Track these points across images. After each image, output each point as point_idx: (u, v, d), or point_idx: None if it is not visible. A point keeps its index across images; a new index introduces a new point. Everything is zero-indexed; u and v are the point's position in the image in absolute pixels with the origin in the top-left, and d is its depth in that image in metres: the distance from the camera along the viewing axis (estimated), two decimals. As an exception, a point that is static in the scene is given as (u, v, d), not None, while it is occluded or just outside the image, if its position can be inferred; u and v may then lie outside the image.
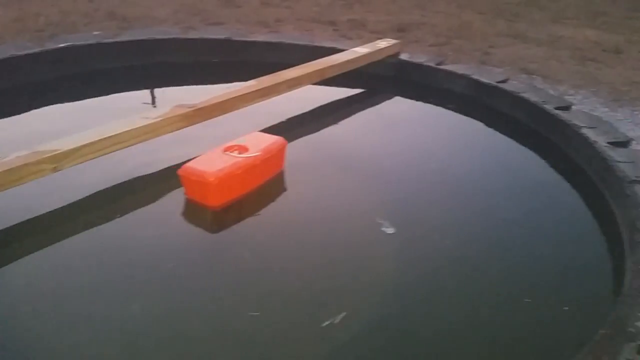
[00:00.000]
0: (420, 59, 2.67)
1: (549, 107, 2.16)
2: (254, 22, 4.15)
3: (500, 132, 2.30)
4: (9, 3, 4.18)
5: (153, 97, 2.60)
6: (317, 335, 1.35)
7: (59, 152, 1.69)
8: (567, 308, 1.45)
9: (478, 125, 2.39)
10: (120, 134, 1.84)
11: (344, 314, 1.38)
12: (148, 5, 4.37)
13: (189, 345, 1.30)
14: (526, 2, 5.14)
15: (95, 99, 2.53)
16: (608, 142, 1.96)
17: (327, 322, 1.37)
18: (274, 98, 2.33)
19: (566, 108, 2.16)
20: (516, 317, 1.42)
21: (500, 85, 2.32)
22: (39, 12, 3.94)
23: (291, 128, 2.31)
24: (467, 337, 1.36)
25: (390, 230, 1.69)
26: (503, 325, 1.40)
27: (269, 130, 2.14)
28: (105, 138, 1.80)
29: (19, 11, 3.95)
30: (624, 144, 1.98)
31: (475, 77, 2.43)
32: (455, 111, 2.47)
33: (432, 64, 2.59)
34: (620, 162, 1.85)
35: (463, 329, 1.38)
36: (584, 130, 2.01)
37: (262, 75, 2.33)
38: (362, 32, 4.10)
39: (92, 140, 1.77)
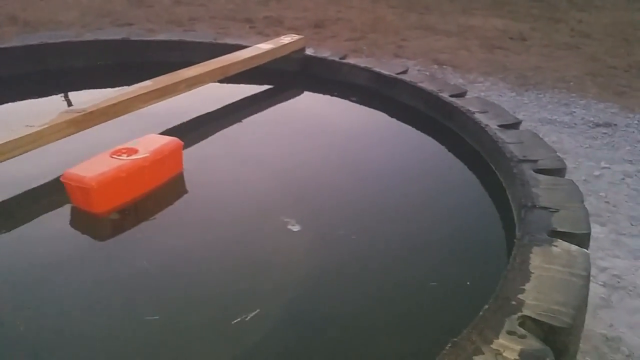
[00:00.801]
0: (325, 53, 2.68)
1: (444, 95, 2.22)
2: (166, 21, 4.05)
3: (402, 121, 2.35)
4: None
5: (46, 105, 2.47)
6: (228, 333, 1.31)
7: None
8: (469, 283, 1.50)
9: (380, 116, 2.43)
10: (3, 144, 1.73)
11: (257, 311, 1.35)
12: (52, 9, 4.17)
13: (77, 357, 1.24)
14: (437, -5, 5.32)
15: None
16: (499, 125, 2.04)
17: (237, 320, 1.33)
18: (176, 98, 2.28)
19: (461, 95, 2.23)
20: (423, 300, 1.45)
21: (400, 76, 2.37)
22: None
23: (194, 129, 2.25)
24: (377, 327, 1.36)
25: (296, 228, 1.67)
26: (411, 311, 1.43)
27: (170, 131, 2.08)
28: (-18, 150, 1.69)
29: None
30: (513, 125, 2.07)
31: (376, 69, 2.46)
32: (359, 103, 2.50)
33: (335, 58, 2.61)
34: (509, 143, 1.93)
35: (374, 320, 1.38)
36: (477, 115, 2.09)
37: (162, 75, 2.27)
38: (279, 29, 4.10)
39: (-31, 152, 1.67)
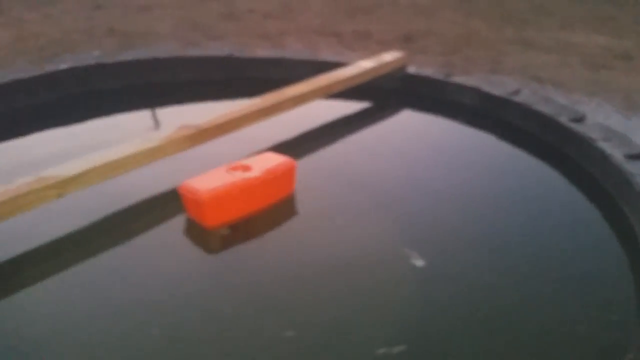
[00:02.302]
0: (428, 71, 2.62)
1: (562, 119, 2.10)
2: (255, 35, 4.11)
3: (513, 145, 2.24)
4: (11, 23, 4.18)
5: (156, 118, 2.56)
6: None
7: (63, 178, 1.66)
8: (616, 318, 1.42)
9: (490, 139, 2.33)
10: (124, 157, 1.81)
11: (403, 346, 1.32)
12: (148, 21, 4.36)
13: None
14: (533, 9, 5.08)
15: (97, 120, 2.51)
16: (625, 155, 1.89)
17: (382, 350, 1.31)
18: (280, 115, 2.29)
19: (580, 120, 2.10)
20: (560, 344, 1.36)
21: (512, 97, 2.27)
22: (40, 31, 3.94)
23: (299, 146, 2.25)
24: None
25: (419, 263, 1.60)
26: (547, 355, 1.35)
27: (276, 148, 2.09)
28: (109, 162, 1.77)
29: (21, 31, 3.95)
30: (641, 156, 1.92)
31: (485, 89, 2.37)
32: (466, 124, 2.41)
33: (440, 77, 2.54)
34: (638, 174, 1.79)
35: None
36: (600, 143, 1.95)
37: (265, 92, 2.29)
38: (368, 42, 4.06)
39: (96, 164, 1.74)
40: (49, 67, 2.52)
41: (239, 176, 1.77)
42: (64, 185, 1.66)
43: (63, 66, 2.51)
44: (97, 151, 1.80)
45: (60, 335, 1.36)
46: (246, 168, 1.81)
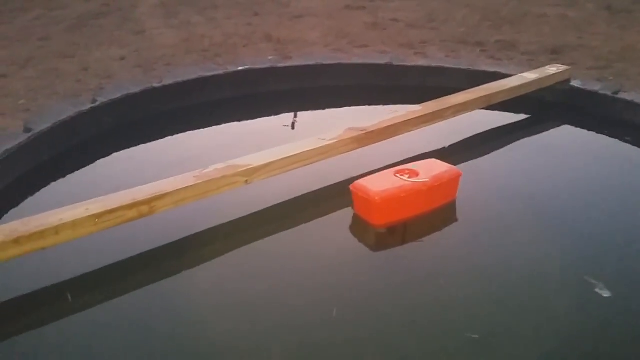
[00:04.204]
0: (594, 86, 2.53)
1: None
2: (398, 44, 4.19)
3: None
4: (179, 26, 4.65)
5: (321, 118, 2.74)
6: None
7: (251, 167, 1.86)
8: None
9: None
10: (302, 152, 1.97)
11: None
12: (300, 28, 4.61)
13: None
14: (702, 22, 4.64)
15: (268, 118, 2.75)
16: None
17: None
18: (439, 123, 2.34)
19: None
20: None
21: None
22: (204, 34, 4.34)
23: (458, 154, 2.28)
24: None
25: (605, 294, 1.50)
26: None
27: (435, 155, 2.12)
28: (290, 156, 1.95)
29: (187, 33, 4.38)
30: None
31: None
32: (634, 145, 2.30)
33: (607, 93, 2.44)
34: None
35: None
36: None
37: (419, 98, 2.36)
38: (512, 53, 3.96)
39: (279, 157, 1.92)
40: (231, 68, 2.81)
41: (407, 180, 1.84)
42: (250, 174, 1.85)
43: (241, 67, 2.78)
44: (278, 146, 1.98)
45: (218, 317, 1.47)
46: (413, 173, 1.88)
